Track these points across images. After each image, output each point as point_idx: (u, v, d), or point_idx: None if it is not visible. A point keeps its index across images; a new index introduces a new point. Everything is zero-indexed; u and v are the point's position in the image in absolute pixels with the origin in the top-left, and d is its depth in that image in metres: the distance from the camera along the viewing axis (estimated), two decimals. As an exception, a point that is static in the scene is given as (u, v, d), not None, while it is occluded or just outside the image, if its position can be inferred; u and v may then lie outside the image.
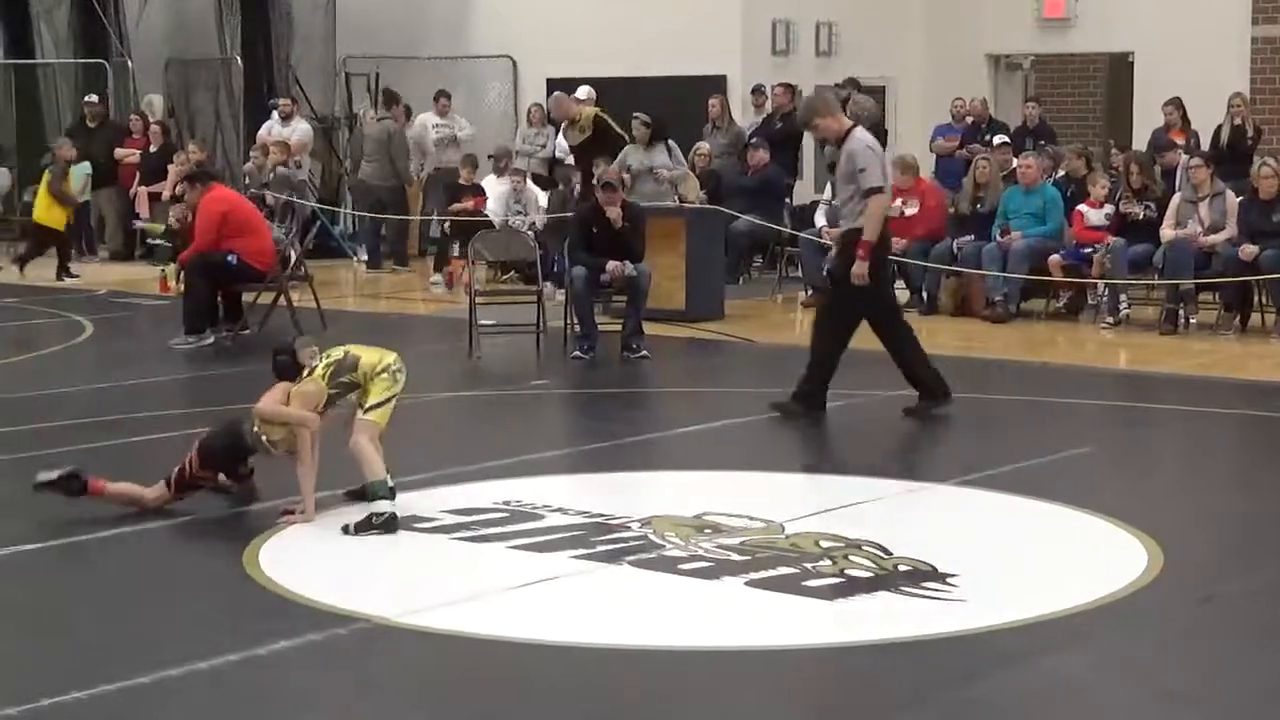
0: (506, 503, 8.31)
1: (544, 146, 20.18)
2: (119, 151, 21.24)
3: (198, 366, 13.02)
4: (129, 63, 22.78)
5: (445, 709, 5.78)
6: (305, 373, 8.07)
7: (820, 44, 21.54)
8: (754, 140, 18.26)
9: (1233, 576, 7.25)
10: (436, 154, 20.48)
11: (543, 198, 18.33)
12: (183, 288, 14.68)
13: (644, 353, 13.13)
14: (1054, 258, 15.22)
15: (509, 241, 15.37)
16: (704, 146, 18.57)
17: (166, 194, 20.14)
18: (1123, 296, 15.07)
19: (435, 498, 8.38)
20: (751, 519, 7.92)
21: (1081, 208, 15.52)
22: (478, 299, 13.73)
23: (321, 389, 7.99)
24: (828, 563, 7.21)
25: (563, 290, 14.22)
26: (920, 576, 7.00)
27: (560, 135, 19.61)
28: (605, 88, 19.18)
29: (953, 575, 6.99)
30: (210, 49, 22.70)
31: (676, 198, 16.53)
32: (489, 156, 19.49)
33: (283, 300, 14.57)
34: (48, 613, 6.75)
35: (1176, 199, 15.01)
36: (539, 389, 12.38)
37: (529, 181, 18.54)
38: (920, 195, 16.26)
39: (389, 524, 7.73)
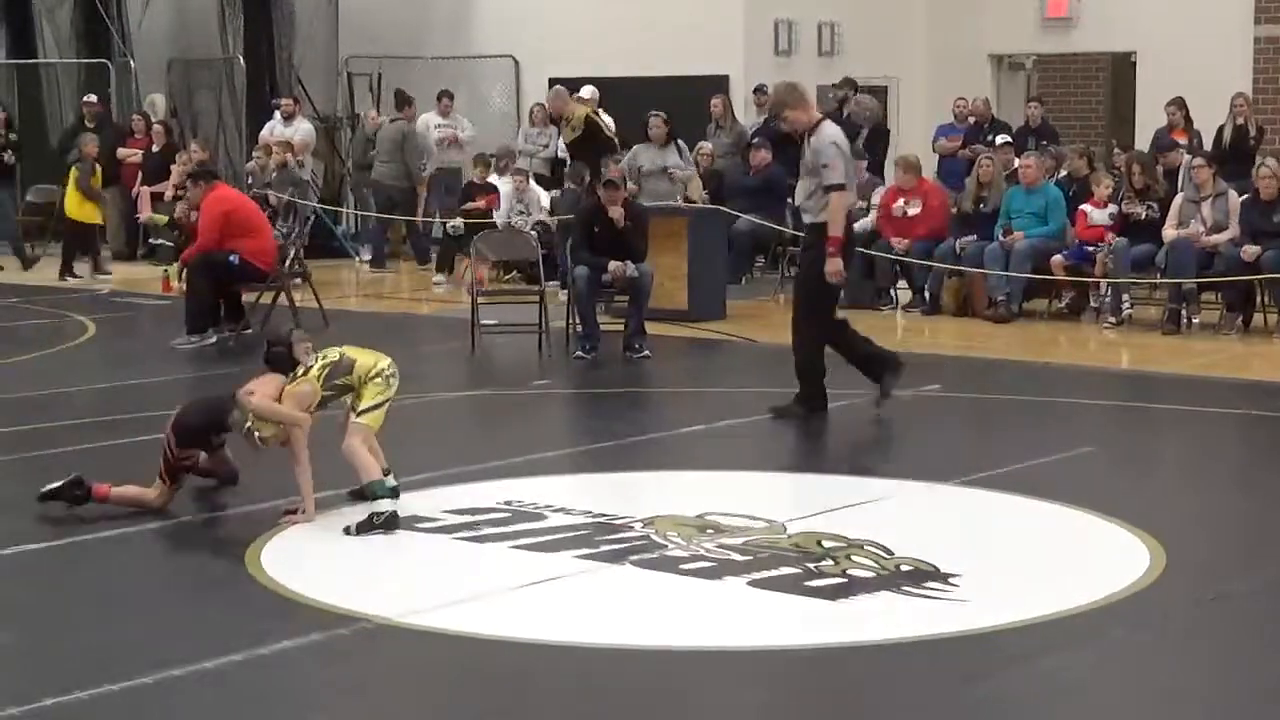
0: (509, 503, 8.31)
1: (546, 146, 20.17)
2: (121, 151, 21.23)
3: (200, 366, 13.02)
4: (131, 62, 22.77)
5: (447, 709, 5.79)
6: (300, 372, 8.06)
7: (823, 44, 21.53)
8: (756, 140, 18.26)
9: (1235, 576, 7.25)
10: (438, 154, 20.49)
11: (545, 198, 18.33)
12: (185, 287, 14.69)
13: (646, 353, 13.13)
14: (1056, 258, 15.22)
15: (511, 241, 15.37)
16: (706, 146, 18.58)
17: (168, 194, 20.13)
18: (1125, 296, 15.07)
19: (437, 498, 8.38)
20: (754, 519, 7.92)
21: (1085, 207, 15.51)
22: (480, 299, 13.73)
23: (316, 390, 8.00)
24: (830, 563, 7.21)
25: (565, 289, 14.23)
26: (922, 577, 7.00)
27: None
28: (607, 88, 19.21)
29: (955, 575, 6.99)
30: (213, 49, 22.70)
31: (683, 198, 16.52)
32: (490, 156, 19.49)
33: (284, 299, 14.58)
34: (50, 612, 6.76)
35: (1179, 199, 15.01)
36: (541, 389, 12.37)
37: (531, 181, 18.55)
38: (923, 195, 16.27)
39: (390, 522, 7.74)
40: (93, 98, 21.76)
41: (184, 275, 14.85)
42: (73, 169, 19.43)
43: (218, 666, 5.90)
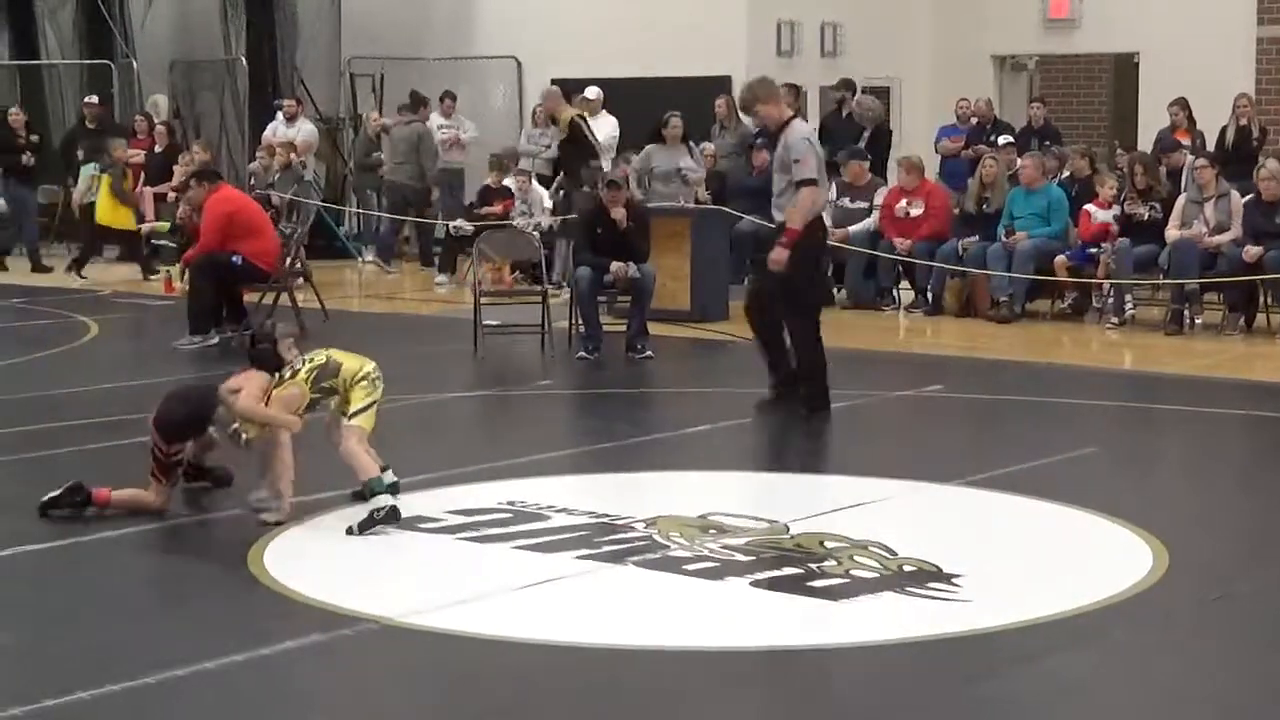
0: (511, 503, 8.31)
1: (549, 147, 20.15)
2: (123, 153, 21.21)
3: (202, 367, 13.00)
4: (134, 63, 22.78)
5: (450, 709, 5.78)
6: (288, 374, 8.06)
7: (825, 45, 21.53)
8: (759, 140, 18.23)
9: (1238, 577, 7.24)
10: (441, 155, 20.48)
11: (547, 198, 18.33)
12: (187, 288, 14.69)
13: (649, 353, 13.13)
14: (1059, 258, 15.22)
15: (513, 242, 15.35)
16: (710, 147, 18.57)
17: (170, 195, 20.13)
18: (1128, 297, 15.07)
19: (440, 498, 8.37)
20: (756, 519, 7.91)
21: (1089, 207, 15.51)
22: (483, 299, 13.73)
23: (305, 393, 8.01)
24: (833, 563, 7.21)
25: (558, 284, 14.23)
26: (925, 577, 6.99)
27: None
28: (610, 88, 19.21)
29: (958, 576, 6.99)
30: (215, 50, 22.71)
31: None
32: (492, 155, 19.49)
33: (286, 300, 14.58)
34: (53, 613, 6.76)
35: (1181, 199, 15.00)
36: (544, 389, 12.37)
37: (534, 182, 18.55)
38: (925, 196, 16.27)
39: (391, 516, 7.74)
40: (94, 99, 21.76)
41: (186, 276, 14.86)
42: (105, 175, 19.46)
43: (219, 667, 5.89)
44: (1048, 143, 18.33)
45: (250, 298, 14.58)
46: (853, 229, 16.38)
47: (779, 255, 10.46)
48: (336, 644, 6.23)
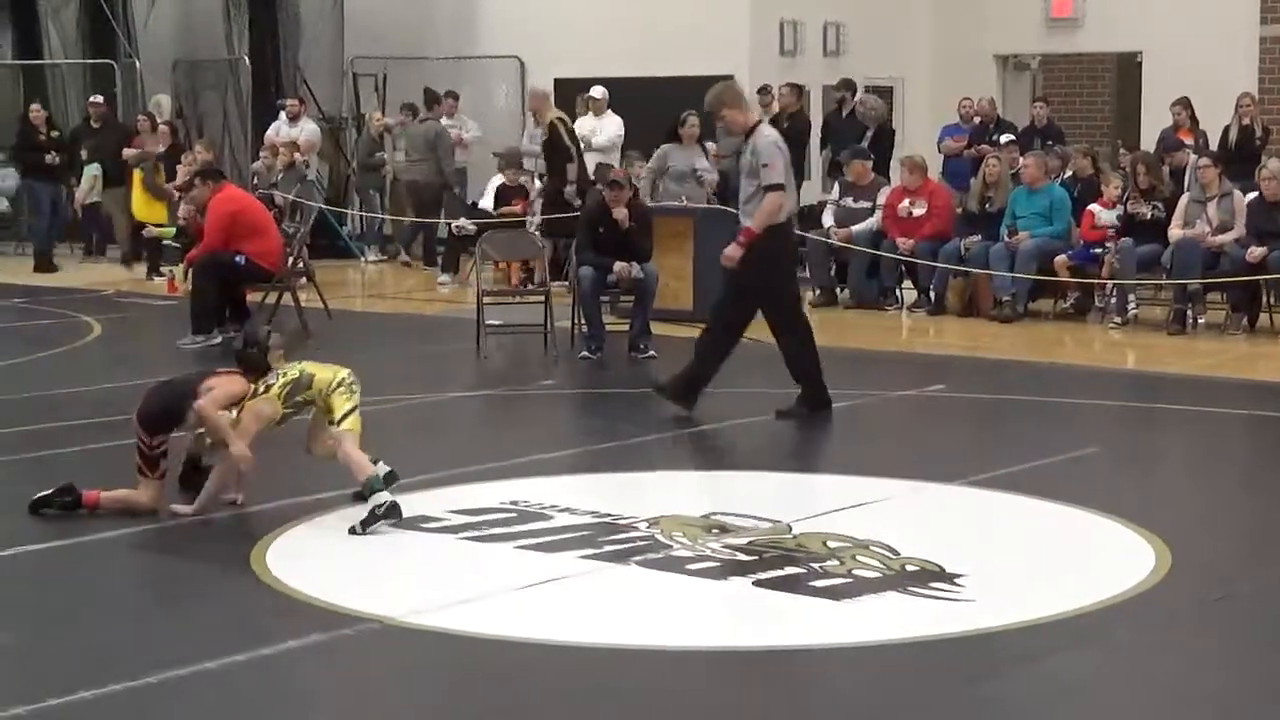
0: (514, 503, 8.31)
1: (547, 147, 20.17)
2: (127, 152, 21.23)
3: (205, 366, 12.96)
4: (137, 63, 22.79)
5: (452, 709, 5.78)
6: (262, 388, 8.07)
7: (828, 44, 21.53)
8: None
9: (1240, 577, 7.24)
10: (444, 154, 20.49)
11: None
12: (190, 288, 14.70)
13: (651, 353, 13.12)
14: (1060, 258, 15.21)
15: (516, 242, 15.37)
16: (714, 147, 18.55)
17: (174, 193, 20.12)
18: (1131, 297, 15.06)
19: (442, 498, 8.38)
20: (759, 519, 7.91)
21: (1093, 207, 15.51)
22: (485, 299, 13.73)
23: (278, 409, 8.05)
24: (835, 563, 7.21)
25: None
26: (928, 577, 6.99)
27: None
28: (613, 88, 19.23)
29: (960, 575, 6.99)
30: (218, 49, 22.72)
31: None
32: (494, 154, 19.51)
33: (289, 299, 14.58)
34: (55, 612, 6.76)
35: (1184, 199, 14.99)
36: (546, 389, 12.38)
37: (536, 182, 18.55)
38: (928, 195, 16.27)
39: (391, 511, 7.75)
40: (98, 98, 21.77)
41: (189, 275, 14.86)
42: (137, 170, 19.50)
43: (221, 666, 5.89)
44: (1050, 142, 18.33)
45: (253, 298, 14.58)
46: (856, 229, 16.37)
47: (732, 251, 10.46)
48: (338, 644, 6.23)
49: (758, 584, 6.92)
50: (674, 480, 9.30)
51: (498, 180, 18.63)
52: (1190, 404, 11.28)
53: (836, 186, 17.28)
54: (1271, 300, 14.68)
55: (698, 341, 10.99)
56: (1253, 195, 14.79)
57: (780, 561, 7.22)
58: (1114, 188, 15.49)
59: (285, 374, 8.12)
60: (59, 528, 7.84)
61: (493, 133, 20.76)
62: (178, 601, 6.97)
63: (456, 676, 6.05)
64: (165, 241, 19.83)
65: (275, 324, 13.96)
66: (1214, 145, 17.15)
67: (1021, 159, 16.19)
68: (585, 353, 13.19)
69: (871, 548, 7.40)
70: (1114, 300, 15.08)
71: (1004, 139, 17.92)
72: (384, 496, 7.80)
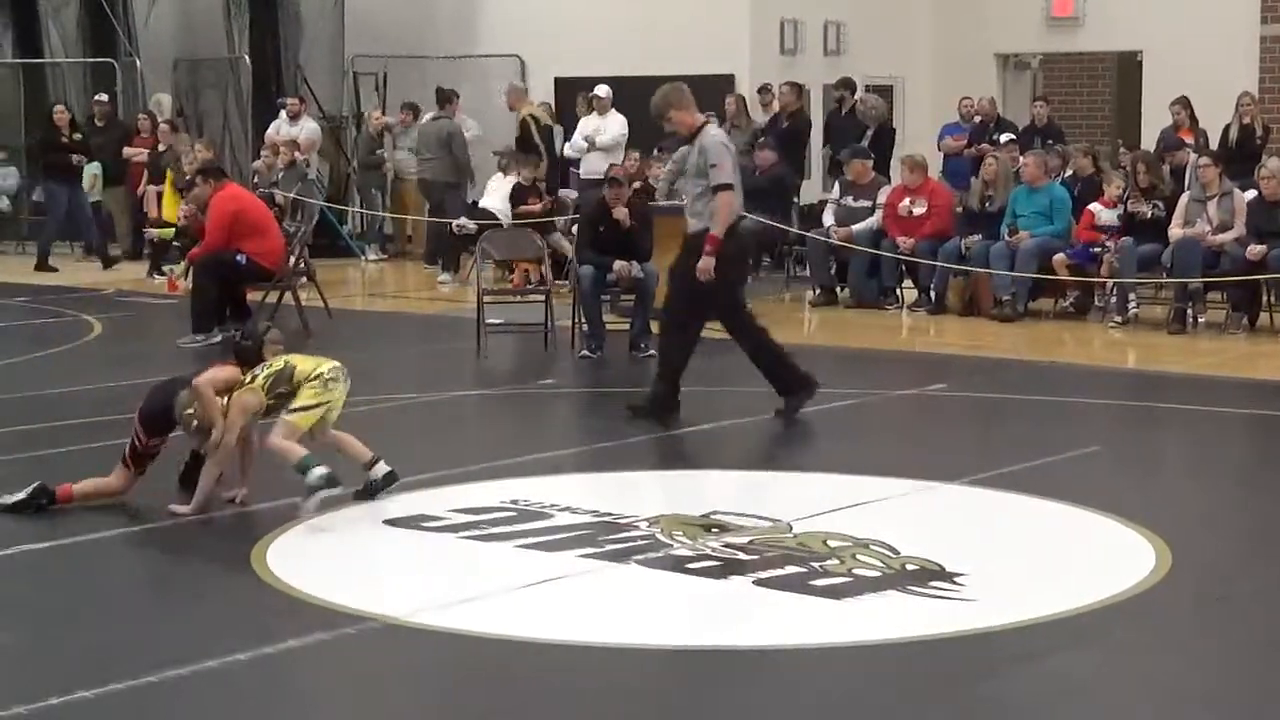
0: (514, 502, 8.31)
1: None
2: (127, 150, 21.26)
3: (205, 365, 12.99)
4: (137, 62, 22.79)
5: (453, 708, 5.79)
6: (248, 379, 8.10)
7: (828, 43, 21.54)
8: (761, 140, 18.24)
9: (1241, 576, 7.24)
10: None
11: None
12: (190, 286, 14.70)
13: (651, 352, 13.07)
14: (1059, 257, 15.21)
15: (516, 241, 15.36)
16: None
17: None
18: (1131, 296, 15.06)
19: (443, 497, 8.38)
20: (759, 518, 7.92)
21: (1094, 206, 15.51)
22: (486, 298, 13.74)
23: (262, 401, 8.08)
24: (836, 562, 7.21)
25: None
26: (928, 576, 6.99)
27: (569, 140, 19.65)
28: (613, 87, 19.22)
29: (961, 574, 6.99)
30: (218, 48, 22.72)
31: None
32: (494, 153, 19.50)
33: (289, 299, 14.58)
34: (56, 612, 6.76)
35: (1185, 198, 14.99)
36: (547, 388, 12.38)
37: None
38: (928, 194, 16.27)
39: (330, 481, 7.79)
40: (104, 97, 21.76)
41: (190, 274, 14.86)
42: (168, 170, 19.51)
43: (223, 665, 5.89)
44: (1050, 141, 18.33)
45: (254, 297, 14.58)
46: (856, 228, 16.37)
47: (706, 265, 10.43)
48: (340, 643, 6.23)
49: (758, 583, 6.92)
50: (674, 479, 9.31)
51: (498, 179, 18.63)
52: (1190, 403, 11.28)
53: (837, 186, 17.28)
54: (1272, 299, 14.68)
55: (659, 352, 10.97)
56: (1253, 194, 14.79)
57: (780, 561, 7.22)
58: (1115, 187, 15.49)
59: (271, 365, 8.19)
60: (59, 528, 7.84)
61: (493, 132, 20.75)
62: (178, 601, 6.97)
63: (457, 675, 6.05)
64: (164, 238, 19.89)
65: (276, 323, 14.04)
66: (1214, 144, 17.15)
67: (1021, 158, 16.19)
68: (585, 352, 13.19)
69: (872, 547, 7.40)
70: (1114, 299, 15.08)
71: (1004, 138, 17.92)
72: (318, 471, 7.80)
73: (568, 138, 19.94)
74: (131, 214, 21.22)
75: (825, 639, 6.34)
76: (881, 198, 16.56)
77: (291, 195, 18.40)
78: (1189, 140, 17.34)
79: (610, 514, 8.06)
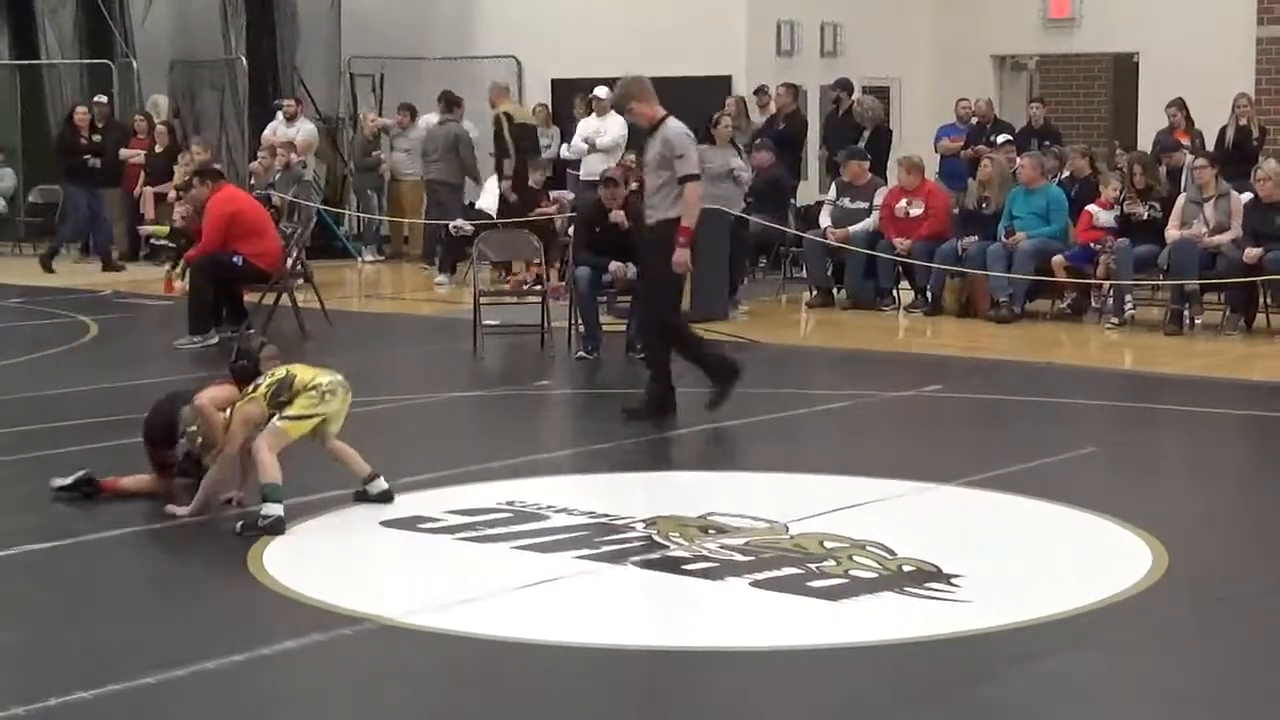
0: (510, 503, 8.31)
1: (548, 147, 20.19)
2: (124, 152, 21.23)
3: (202, 367, 12.99)
4: (134, 63, 22.78)
5: (449, 709, 5.79)
6: (250, 390, 8.10)
7: (825, 44, 21.54)
8: (759, 141, 18.24)
9: (1238, 578, 7.24)
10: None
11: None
12: (187, 288, 14.70)
13: (649, 353, 13.11)
14: (1057, 258, 15.21)
15: (512, 242, 15.36)
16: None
17: (171, 194, 20.12)
18: (1128, 297, 15.06)
19: (439, 498, 8.38)
20: (756, 519, 7.92)
21: (1091, 207, 15.51)
22: (482, 299, 13.73)
23: (264, 410, 8.06)
24: (832, 563, 7.21)
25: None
26: (925, 577, 6.99)
27: (567, 141, 19.65)
28: (610, 88, 19.20)
29: (957, 576, 6.99)
30: (215, 49, 22.70)
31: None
32: (490, 155, 19.49)
33: (286, 300, 14.58)
34: (54, 612, 6.76)
35: (1181, 200, 14.99)
36: (543, 389, 12.38)
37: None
38: (925, 196, 16.27)
39: (274, 527, 7.68)
40: (103, 99, 21.75)
41: (186, 275, 14.85)
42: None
43: (220, 666, 5.90)
44: (1047, 142, 18.34)
45: (250, 298, 14.57)
46: (853, 229, 16.37)
47: (682, 257, 10.45)
48: (336, 644, 6.23)
49: (754, 584, 6.92)
50: (670, 481, 9.31)
51: (494, 180, 18.62)
52: (1187, 404, 11.28)
53: (833, 187, 17.27)
54: (1268, 300, 14.68)
55: (646, 353, 10.97)
56: (1249, 196, 14.79)
57: (777, 562, 7.22)
58: (1112, 188, 15.49)
59: (273, 374, 8.16)
60: (59, 528, 7.85)
61: (490, 133, 20.73)
62: (176, 602, 6.97)
63: (454, 676, 6.05)
64: (156, 241, 19.87)
65: (273, 325, 14.04)
66: (1210, 146, 17.15)
67: (1018, 159, 16.19)
68: (582, 353, 13.19)
69: (868, 548, 7.41)
70: (1111, 301, 15.09)
71: (1001, 139, 17.92)
72: (274, 510, 7.71)
73: (564, 139, 19.94)
74: (128, 215, 21.18)
75: (822, 640, 6.35)
76: (878, 199, 16.56)
77: (288, 197, 18.39)
78: (1185, 142, 17.35)
79: (606, 515, 8.06)
